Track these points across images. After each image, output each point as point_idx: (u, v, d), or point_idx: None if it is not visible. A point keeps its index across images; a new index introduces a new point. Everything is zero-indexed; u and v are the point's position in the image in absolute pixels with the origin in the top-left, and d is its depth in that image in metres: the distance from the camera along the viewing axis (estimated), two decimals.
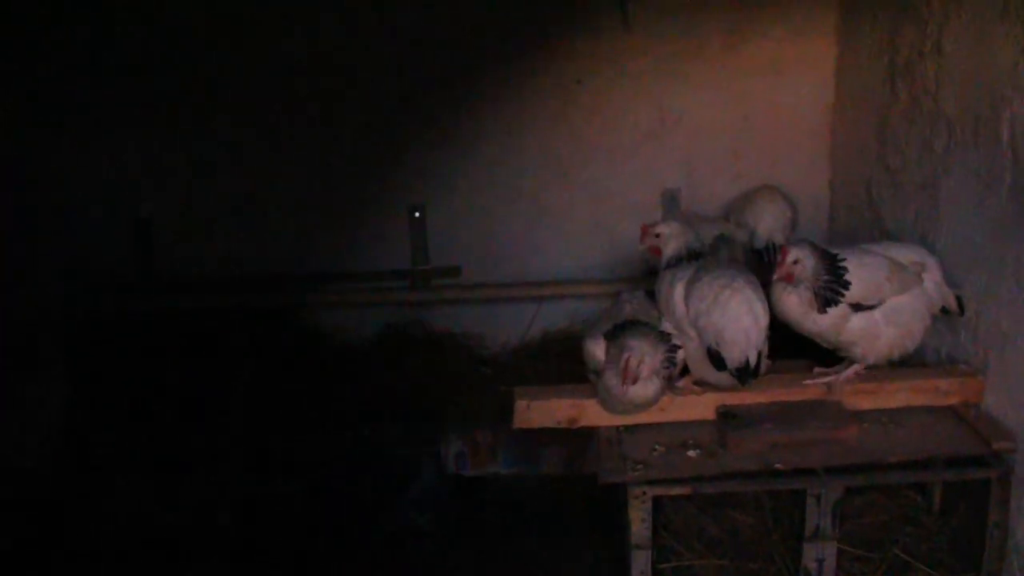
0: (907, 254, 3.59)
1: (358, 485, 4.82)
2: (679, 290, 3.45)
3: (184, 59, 5.08)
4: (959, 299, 3.56)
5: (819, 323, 3.42)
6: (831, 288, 3.36)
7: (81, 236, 5.24)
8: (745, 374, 3.31)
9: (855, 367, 3.54)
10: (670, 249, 3.69)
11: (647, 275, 4.58)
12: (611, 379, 3.33)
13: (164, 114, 5.18)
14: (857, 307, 3.39)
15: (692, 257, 3.62)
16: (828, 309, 3.37)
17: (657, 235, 3.72)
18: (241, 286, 5.42)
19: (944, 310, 3.57)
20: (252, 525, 4.44)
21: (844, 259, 3.41)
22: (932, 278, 3.56)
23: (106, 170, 5.27)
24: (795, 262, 3.35)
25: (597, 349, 3.49)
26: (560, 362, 5.07)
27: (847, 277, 3.37)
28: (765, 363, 3.41)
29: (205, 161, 5.29)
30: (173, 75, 5.10)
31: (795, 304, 3.41)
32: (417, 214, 5.39)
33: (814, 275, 3.36)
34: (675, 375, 3.52)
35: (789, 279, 3.36)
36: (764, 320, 3.35)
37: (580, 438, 4.97)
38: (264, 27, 5.05)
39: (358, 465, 4.85)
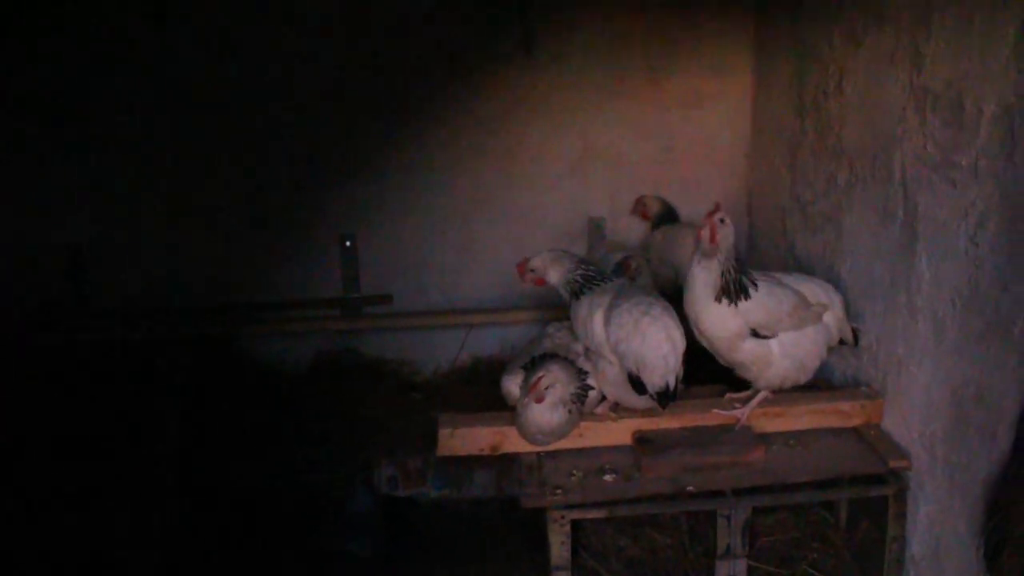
0: (816, 291, 3.72)
1: (291, 509, 4.87)
2: (598, 317, 3.55)
3: (118, 87, 5.09)
4: (855, 331, 3.77)
5: (712, 321, 3.52)
6: (737, 284, 3.47)
7: (11, 264, 5.20)
8: (665, 397, 3.42)
9: (761, 395, 3.70)
10: (552, 277, 3.74)
11: None
12: (522, 410, 3.46)
13: (98, 142, 5.17)
14: (754, 333, 3.54)
15: (591, 278, 3.68)
16: (723, 300, 3.47)
17: (532, 270, 3.79)
18: (175, 315, 5.40)
19: (841, 341, 3.77)
20: (184, 550, 4.41)
21: (756, 280, 3.54)
22: (835, 315, 3.72)
23: (39, 198, 5.23)
24: (722, 221, 3.44)
25: (512, 386, 3.63)
26: (490, 387, 5.09)
27: (751, 293, 3.48)
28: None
29: (138, 189, 5.27)
30: (107, 102, 5.10)
31: (701, 282, 3.51)
32: (348, 243, 5.44)
33: (726, 256, 3.46)
34: (585, 409, 3.63)
35: (713, 242, 3.45)
36: (681, 346, 3.47)
37: (507, 464, 5.11)
38: (200, 58, 5.09)
39: (291, 490, 4.88)
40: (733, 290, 3.47)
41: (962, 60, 2.95)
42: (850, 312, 3.81)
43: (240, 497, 4.80)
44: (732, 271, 3.48)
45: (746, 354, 3.57)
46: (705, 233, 3.44)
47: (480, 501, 5.17)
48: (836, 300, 3.77)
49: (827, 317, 3.70)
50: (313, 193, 5.37)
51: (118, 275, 5.35)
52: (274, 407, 5.18)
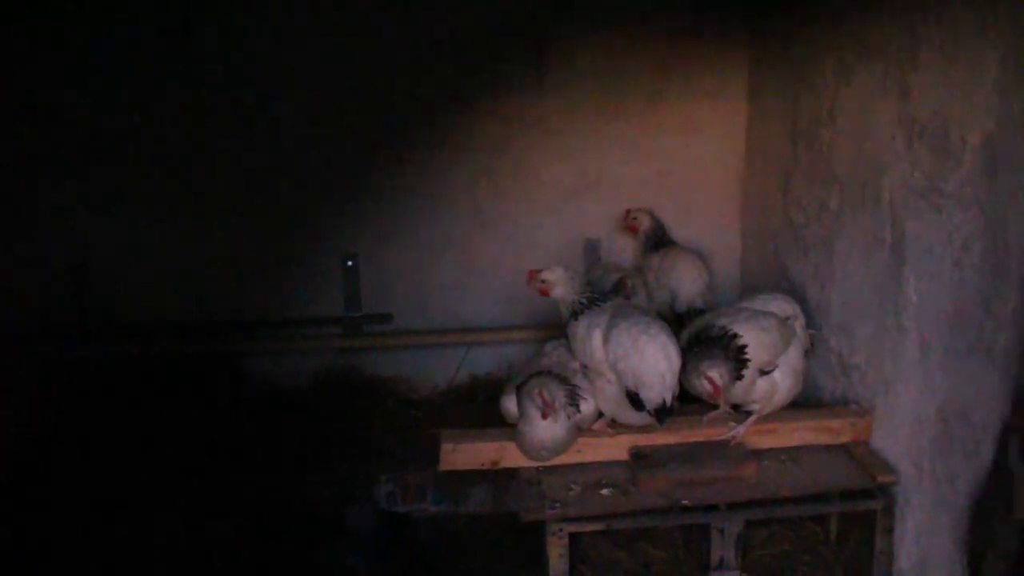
0: (783, 306, 3.94)
1: (292, 525, 4.95)
2: (597, 335, 3.65)
3: (125, 105, 5.18)
4: (812, 337, 4.03)
5: (732, 393, 3.67)
6: (739, 368, 3.60)
7: (16, 280, 5.25)
8: (663, 413, 3.52)
9: (753, 417, 3.80)
10: (558, 292, 3.83)
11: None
12: (523, 426, 3.56)
13: (104, 160, 5.26)
14: (762, 372, 3.68)
15: (595, 301, 3.80)
16: (743, 374, 3.61)
17: (543, 280, 3.88)
18: (179, 333, 5.48)
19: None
20: (187, 564, 4.46)
21: (742, 336, 3.63)
22: (800, 324, 3.93)
23: (44, 215, 5.32)
24: (718, 378, 3.55)
25: (510, 405, 3.74)
26: (488, 405, 5.15)
27: (747, 353, 3.61)
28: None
29: (144, 209, 5.37)
30: (114, 121, 5.20)
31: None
32: (351, 263, 5.54)
33: (730, 377, 3.57)
34: (583, 426, 3.74)
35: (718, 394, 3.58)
36: (677, 364, 3.58)
37: (506, 480, 5.19)
38: (210, 80, 5.19)
39: (292, 505, 4.94)
40: (740, 370, 3.61)
41: (947, 92, 3.08)
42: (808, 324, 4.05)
43: (241, 512, 4.87)
44: (733, 366, 3.60)
45: (758, 393, 3.72)
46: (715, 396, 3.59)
47: (478, 517, 5.24)
48: (798, 309, 3.99)
49: (797, 328, 3.89)
50: (317, 214, 5.47)
51: (123, 292, 5.42)
52: (275, 423, 5.24)
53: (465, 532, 5.18)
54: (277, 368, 5.56)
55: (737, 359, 3.59)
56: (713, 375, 3.48)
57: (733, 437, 3.76)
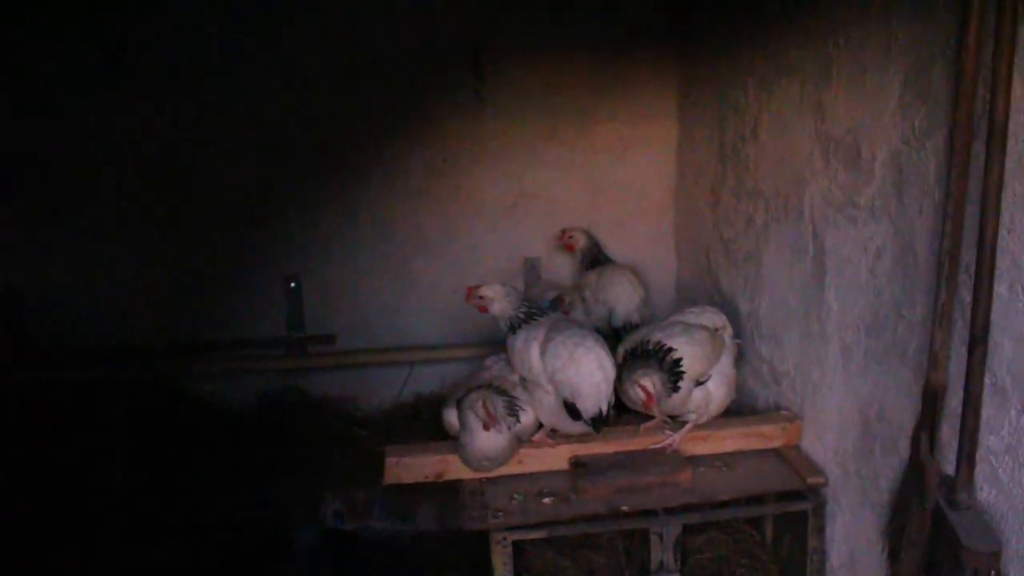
0: (712, 318, 4.12)
1: (239, 547, 4.95)
2: (535, 349, 3.76)
3: (61, 131, 5.19)
4: (740, 347, 4.26)
5: (670, 404, 3.80)
6: (675, 380, 3.73)
7: None
8: (599, 422, 3.64)
9: (689, 425, 3.93)
10: (496, 308, 3.93)
11: None
12: (465, 437, 3.65)
13: (40, 186, 5.26)
14: (697, 382, 3.82)
15: (532, 315, 3.91)
16: (679, 386, 3.74)
17: (481, 296, 3.98)
18: (119, 356, 5.44)
19: None
20: None
21: (676, 349, 3.76)
22: (729, 334, 4.10)
23: None
24: (651, 386, 3.66)
25: (452, 418, 3.83)
26: (433, 422, 5.17)
27: (682, 365, 3.74)
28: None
29: (81, 233, 5.36)
30: (50, 147, 5.21)
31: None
32: (293, 284, 5.59)
33: (665, 388, 3.69)
34: (523, 437, 3.84)
35: (651, 402, 3.69)
36: (612, 375, 3.70)
37: (450, 493, 5.25)
38: (144, 105, 5.22)
39: (238, 527, 4.95)
40: (674, 382, 3.73)
41: (857, 110, 3.26)
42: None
43: (186, 536, 4.87)
44: (669, 380, 3.72)
45: (695, 403, 3.85)
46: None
47: (424, 534, 5.31)
48: (726, 320, 4.17)
49: (726, 338, 4.07)
50: (258, 236, 5.51)
51: (59, 317, 5.39)
52: (219, 446, 5.22)
53: (412, 549, 5.25)
54: (221, 390, 5.56)
55: (672, 372, 3.72)
56: (646, 383, 3.60)
57: (669, 444, 3.88)
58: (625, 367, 3.76)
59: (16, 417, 5.12)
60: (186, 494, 4.92)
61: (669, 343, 3.78)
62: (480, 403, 3.53)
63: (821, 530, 3.66)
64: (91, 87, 5.16)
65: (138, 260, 5.44)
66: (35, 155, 5.22)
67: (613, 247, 5.53)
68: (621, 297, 5.12)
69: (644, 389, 3.61)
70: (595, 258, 5.40)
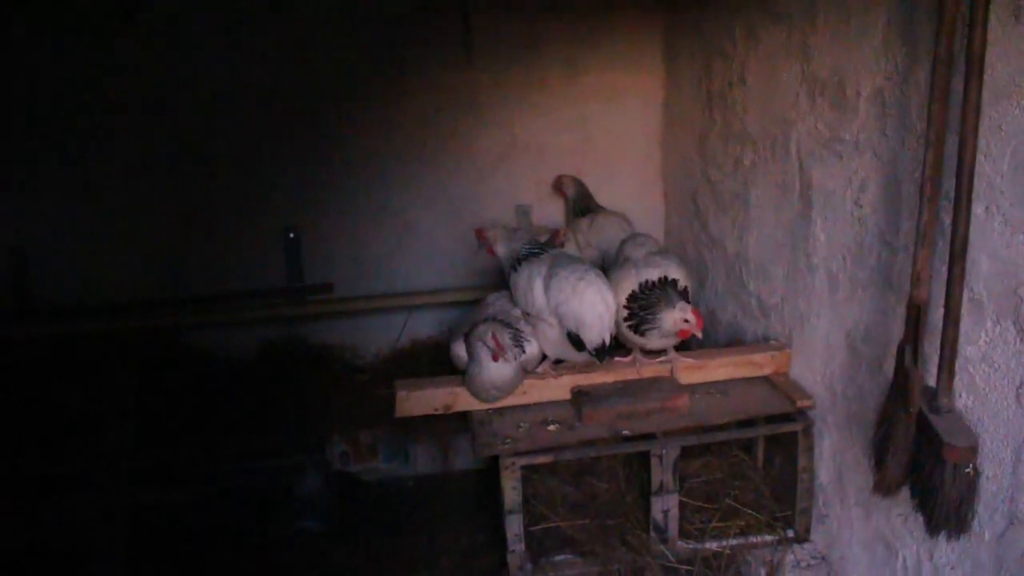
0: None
1: (246, 492, 5.09)
2: (538, 283, 3.94)
3: (58, 89, 5.24)
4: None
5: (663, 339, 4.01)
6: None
7: None
8: (602, 352, 3.82)
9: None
10: (501, 249, 4.24)
11: (506, 283, 5.13)
12: (474, 368, 3.81)
13: (40, 143, 5.32)
14: None
15: (533, 252, 4.13)
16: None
17: (486, 237, 4.30)
18: (122, 310, 5.52)
19: None
20: (143, 535, 4.62)
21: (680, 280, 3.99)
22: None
23: None
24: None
25: (460, 350, 3.99)
26: (431, 366, 5.39)
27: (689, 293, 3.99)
28: None
29: (81, 188, 5.42)
30: (46, 103, 5.26)
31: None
32: (292, 235, 5.69)
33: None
34: (528, 368, 4.01)
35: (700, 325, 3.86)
36: (614, 306, 3.88)
37: (449, 435, 5.46)
38: (145, 62, 5.28)
39: (245, 473, 5.12)
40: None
41: (842, 51, 3.43)
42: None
43: (194, 485, 5.02)
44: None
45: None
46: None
47: (425, 478, 5.52)
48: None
49: None
50: (257, 188, 5.61)
51: (63, 274, 5.46)
52: (223, 396, 5.35)
53: (413, 492, 5.47)
54: (223, 341, 5.69)
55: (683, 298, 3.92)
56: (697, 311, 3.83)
57: (671, 364, 4.09)
58: (645, 299, 3.90)
59: (23, 372, 5.22)
60: (191, 445, 5.06)
61: (673, 275, 3.97)
62: (489, 334, 3.70)
63: (810, 450, 3.89)
64: (105, 43, 5.21)
65: (141, 216, 5.52)
66: (34, 114, 5.28)
67: (603, 194, 5.69)
68: (613, 242, 5.31)
69: (696, 313, 3.80)
70: (586, 205, 5.57)
